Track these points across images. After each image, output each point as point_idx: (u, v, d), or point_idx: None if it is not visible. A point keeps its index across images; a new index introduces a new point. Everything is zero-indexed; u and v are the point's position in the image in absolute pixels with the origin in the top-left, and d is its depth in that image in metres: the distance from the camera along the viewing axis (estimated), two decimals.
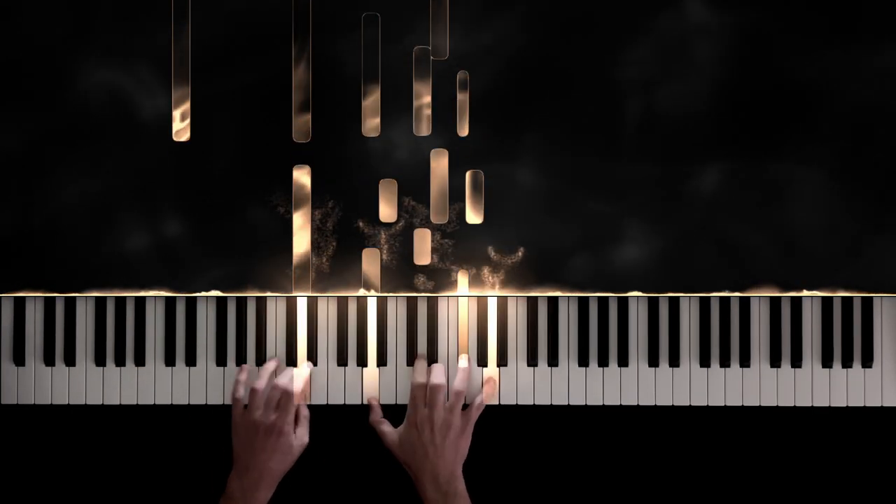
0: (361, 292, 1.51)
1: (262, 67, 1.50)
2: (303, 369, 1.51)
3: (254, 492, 1.45)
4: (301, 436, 1.49)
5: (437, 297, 1.52)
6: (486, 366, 1.52)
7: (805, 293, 1.50)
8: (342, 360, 1.52)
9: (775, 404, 1.51)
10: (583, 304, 1.52)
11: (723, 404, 1.51)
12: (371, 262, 1.51)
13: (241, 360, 1.51)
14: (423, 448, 1.46)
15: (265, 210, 1.50)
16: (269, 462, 1.45)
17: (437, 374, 1.48)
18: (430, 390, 1.47)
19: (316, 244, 1.50)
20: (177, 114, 1.50)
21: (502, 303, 1.52)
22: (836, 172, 1.49)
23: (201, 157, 1.50)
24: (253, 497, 1.45)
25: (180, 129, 1.50)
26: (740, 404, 1.51)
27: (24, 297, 1.52)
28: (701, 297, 1.51)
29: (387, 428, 1.50)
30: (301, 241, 1.50)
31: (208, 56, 1.50)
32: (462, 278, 1.50)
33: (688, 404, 1.51)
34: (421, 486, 1.46)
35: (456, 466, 1.47)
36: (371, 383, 1.52)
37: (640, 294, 1.50)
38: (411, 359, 1.52)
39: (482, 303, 1.52)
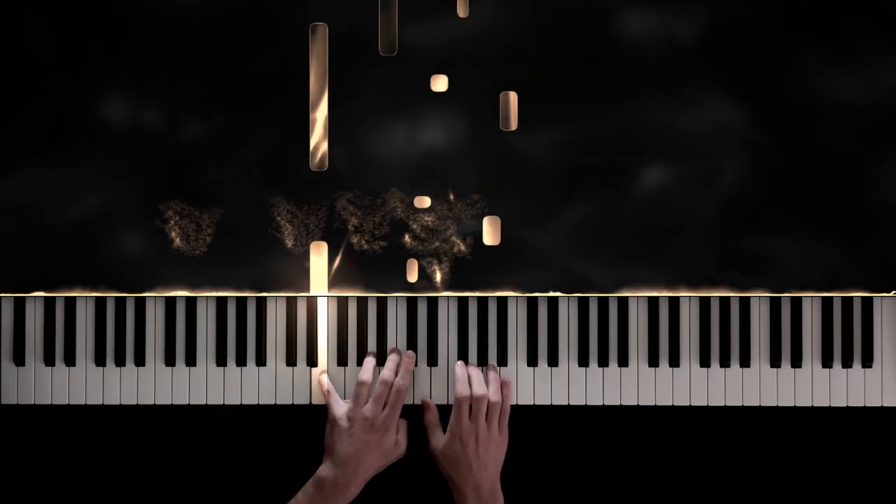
0: (361, 292, 1.51)
1: (274, 66, 1.50)
2: (409, 363, 1.49)
3: (346, 485, 1.43)
4: (399, 444, 1.48)
5: (437, 297, 1.52)
6: (485, 365, 1.51)
7: (805, 293, 1.50)
8: (342, 361, 1.52)
9: (775, 404, 1.51)
10: (583, 304, 1.52)
11: (723, 404, 1.51)
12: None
13: (241, 360, 1.51)
14: (467, 461, 1.46)
15: (265, 210, 1.50)
16: (369, 458, 1.44)
17: (478, 385, 1.48)
18: (474, 402, 1.46)
19: (316, 244, 1.50)
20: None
21: (502, 303, 1.52)
22: (836, 171, 1.49)
23: (203, 158, 1.50)
24: (345, 488, 1.43)
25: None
26: (740, 404, 1.51)
27: (24, 297, 1.52)
28: (701, 297, 1.51)
29: (439, 432, 1.49)
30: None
31: (212, 54, 1.50)
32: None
33: (688, 404, 1.51)
34: (462, 496, 1.46)
35: (496, 477, 1.47)
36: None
37: (639, 294, 1.50)
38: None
39: (482, 303, 1.52)
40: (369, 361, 1.49)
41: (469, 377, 1.48)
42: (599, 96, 1.49)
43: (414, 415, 1.53)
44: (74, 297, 1.52)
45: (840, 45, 1.49)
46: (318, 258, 1.51)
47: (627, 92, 1.49)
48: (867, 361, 1.51)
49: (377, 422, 1.45)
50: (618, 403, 1.52)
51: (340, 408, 1.46)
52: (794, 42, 1.49)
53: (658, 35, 1.49)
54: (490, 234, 1.50)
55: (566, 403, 1.52)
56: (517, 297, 1.52)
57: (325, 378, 1.50)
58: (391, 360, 1.49)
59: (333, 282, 1.50)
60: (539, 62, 1.49)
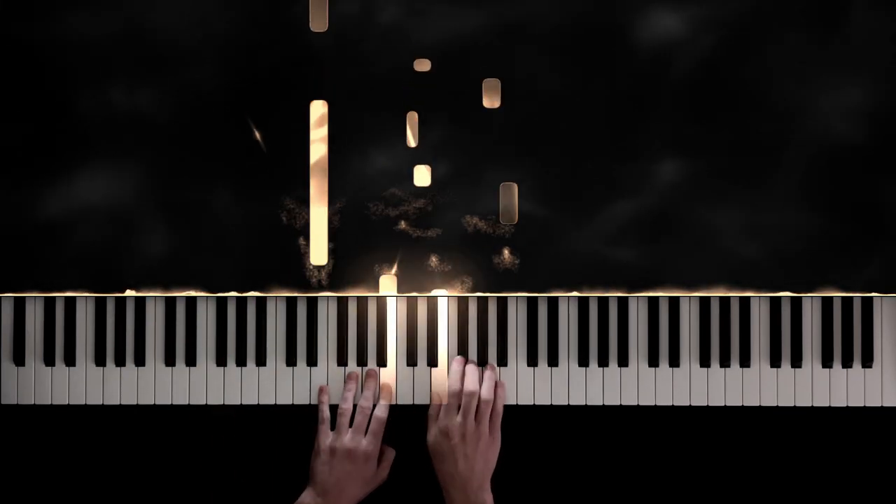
0: (361, 292, 1.51)
1: (275, 62, 1.50)
2: (385, 393, 1.50)
3: None
4: (381, 471, 1.49)
5: (436, 297, 1.52)
6: (486, 364, 1.52)
7: (805, 293, 1.50)
8: (342, 361, 1.52)
9: (775, 404, 1.51)
10: (583, 304, 1.52)
11: (723, 404, 1.51)
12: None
13: (241, 360, 1.51)
14: (453, 457, 1.45)
15: (267, 210, 1.50)
16: (350, 487, 1.45)
17: (471, 381, 1.47)
18: (464, 398, 1.46)
19: (317, 244, 1.50)
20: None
21: (502, 303, 1.52)
22: (836, 171, 1.49)
23: (203, 156, 1.50)
24: None
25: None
26: (740, 404, 1.51)
27: (24, 297, 1.52)
28: (701, 297, 1.51)
29: (433, 427, 1.49)
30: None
31: (214, 47, 1.50)
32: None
33: (688, 404, 1.51)
34: (449, 495, 1.46)
35: (485, 478, 1.46)
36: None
37: (640, 294, 1.50)
38: (411, 359, 1.52)
39: (482, 303, 1.52)
40: (349, 391, 1.49)
41: (464, 373, 1.48)
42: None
43: (413, 415, 1.53)
44: (74, 297, 1.52)
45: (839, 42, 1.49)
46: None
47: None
48: (867, 361, 1.51)
49: (359, 452, 1.45)
50: (618, 403, 1.52)
51: (325, 439, 1.47)
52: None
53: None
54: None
55: (566, 403, 1.52)
56: (517, 297, 1.52)
57: (325, 407, 1.49)
58: (368, 387, 1.49)
59: (333, 281, 1.50)
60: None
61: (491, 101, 1.50)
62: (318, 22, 1.50)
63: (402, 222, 1.50)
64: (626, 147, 1.49)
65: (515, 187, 1.50)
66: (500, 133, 1.49)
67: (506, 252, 1.50)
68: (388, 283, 1.50)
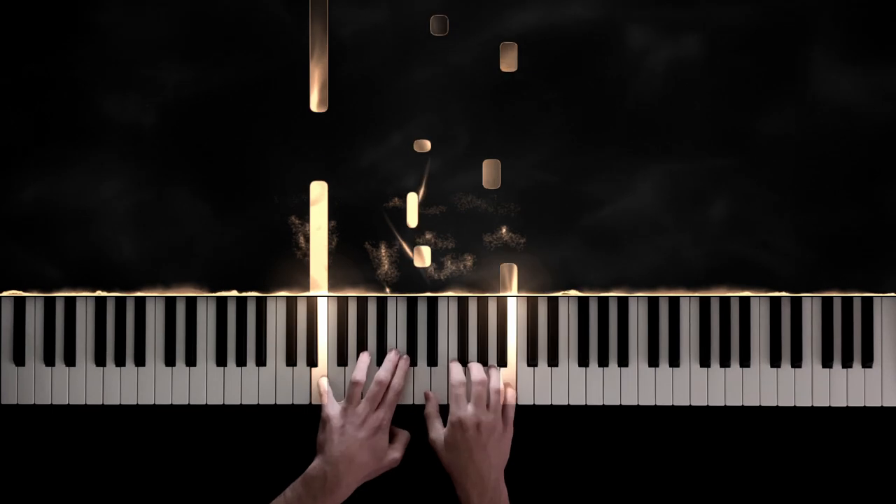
0: (361, 292, 1.51)
1: (274, 61, 1.50)
2: (402, 363, 1.49)
3: (336, 484, 1.42)
4: (394, 451, 1.47)
5: (437, 297, 1.52)
6: (485, 365, 1.51)
7: (805, 293, 1.50)
8: (342, 360, 1.52)
9: (775, 404, 1.51)
10: (583, 303, 1.52)
11: (723, 404, 1.51)
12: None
13: (241, 360, 1.51)
14: (468, 449, 1.43)
15: (267, 210, 1.50)
16: (360, 456, 1.43)
17: (478, 371, 1.47)
18: (473, 387, 1.45)
19: (317, 244, 1.50)
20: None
21: (502, 303, 1.52)
22: (836, 171, 1.49)
23: (201, 157, 1.50)
24: (335, 487, 1.42)
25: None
26: (740, 404, 1.51)
27: (24, 297, 1.52)
28: (701, 297, 1.51)
29: (438, 423, 1.48)
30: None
31: (213, 49, 1.50)
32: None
33: (688, 404, 1.51)
34: (464, 491, 1.44)
35: (500, 471, 1.45)
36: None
37: (640, 294, 1.50)
38: (411, 359, 1.52)
39: (482, 303, 1.52)
40: (363, 361, 1.49)
41: (470, 370, 1.48)
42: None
43: (413, 416, 1.53)
44: (74, 297, 1.52)
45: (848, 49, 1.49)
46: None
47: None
48: (867, 361, 1.51)
49: (370, 420, 1.44)
50: (618, 403, 1.52)
51: (334, 407, 1.46)
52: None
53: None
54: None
55: (566, 403, 1.52)
56: (517, 297, 1.52)
57: (324, 381, 1.50)
58: (389, 360, 1.48)
59: (333, 281, 1.50)
60: None
61: (491, 181, 1.50)
62: (320, 102, 1.50)
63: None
64: (625, 149, 1.49)
65: (515, 268, 1.50)
66: (498, 211, 1.50)
67: (503, 228, 1.50)
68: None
